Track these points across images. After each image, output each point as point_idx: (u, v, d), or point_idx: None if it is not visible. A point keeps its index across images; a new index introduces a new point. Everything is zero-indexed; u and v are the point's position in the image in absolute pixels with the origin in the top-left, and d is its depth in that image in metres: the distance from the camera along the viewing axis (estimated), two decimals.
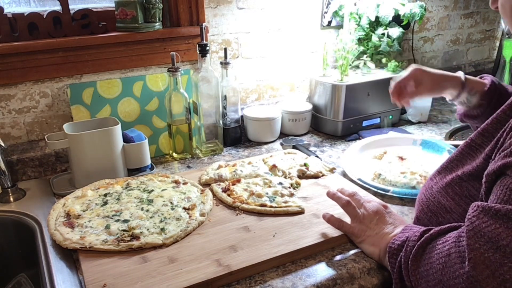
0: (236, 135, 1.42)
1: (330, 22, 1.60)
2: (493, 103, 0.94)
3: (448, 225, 0.69)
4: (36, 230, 0.95)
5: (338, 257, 0.85)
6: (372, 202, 0.89)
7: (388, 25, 1.54)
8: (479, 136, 0.75)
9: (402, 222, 0.83)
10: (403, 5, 1.51)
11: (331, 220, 0.90)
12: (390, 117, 1.56)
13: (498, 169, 0.62)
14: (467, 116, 1.02)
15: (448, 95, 1.01)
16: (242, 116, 1.44)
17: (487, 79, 0.99)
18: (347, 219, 0.89)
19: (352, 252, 0.86)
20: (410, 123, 1.61)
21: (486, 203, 0.60)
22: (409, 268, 0.69)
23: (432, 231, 0.69)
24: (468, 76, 0.99)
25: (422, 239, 0.69)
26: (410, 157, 1.20)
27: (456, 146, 1.24)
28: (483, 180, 0.65)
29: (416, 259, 0.68)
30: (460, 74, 0.99)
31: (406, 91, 1.00)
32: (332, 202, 0.93)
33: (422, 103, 1.58)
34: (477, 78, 1.00)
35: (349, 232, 0.87)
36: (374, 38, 1.55)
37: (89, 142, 1.08)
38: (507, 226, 0.56)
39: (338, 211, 0.92)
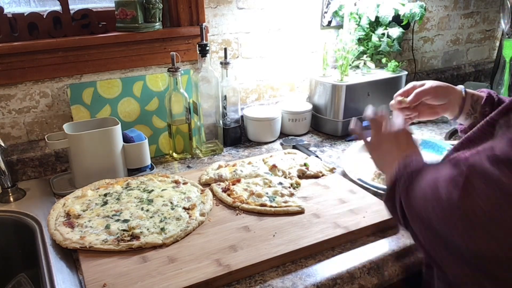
0: (236, 135, 1.42)
1: (330, 22, 1.60)
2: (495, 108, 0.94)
3: None
4: (36, 230, 0.95)
5: (338, 257, 0.85)
6: (396, 124, 0.89)
7: (388, 25, 1.54)
8: (499, 114, 0.75)
9: (415, 151, 0.82)
10: (403, 5, 1.51)
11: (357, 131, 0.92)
12: (390, 117, 1.55)
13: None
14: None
15: (452, 108, 1.02)
16: (242, 116, 1.44)
17: (483, 91, 1.01)
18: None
19: (352, 252, 0.86)
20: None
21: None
22: (406, 190, 0.68)
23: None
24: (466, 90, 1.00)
25: (424, 164, 0.69)
26: None
27: None
28: None
29: (414, 178, 0.67)
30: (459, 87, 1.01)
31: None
32: (332, 201, 0.93)
33: None
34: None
35: (366, 147, 0.89)
36: (374, 38, 1.55)
37: (89, 142, 1.08)
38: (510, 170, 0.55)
39: (338, 211, 0.92)
